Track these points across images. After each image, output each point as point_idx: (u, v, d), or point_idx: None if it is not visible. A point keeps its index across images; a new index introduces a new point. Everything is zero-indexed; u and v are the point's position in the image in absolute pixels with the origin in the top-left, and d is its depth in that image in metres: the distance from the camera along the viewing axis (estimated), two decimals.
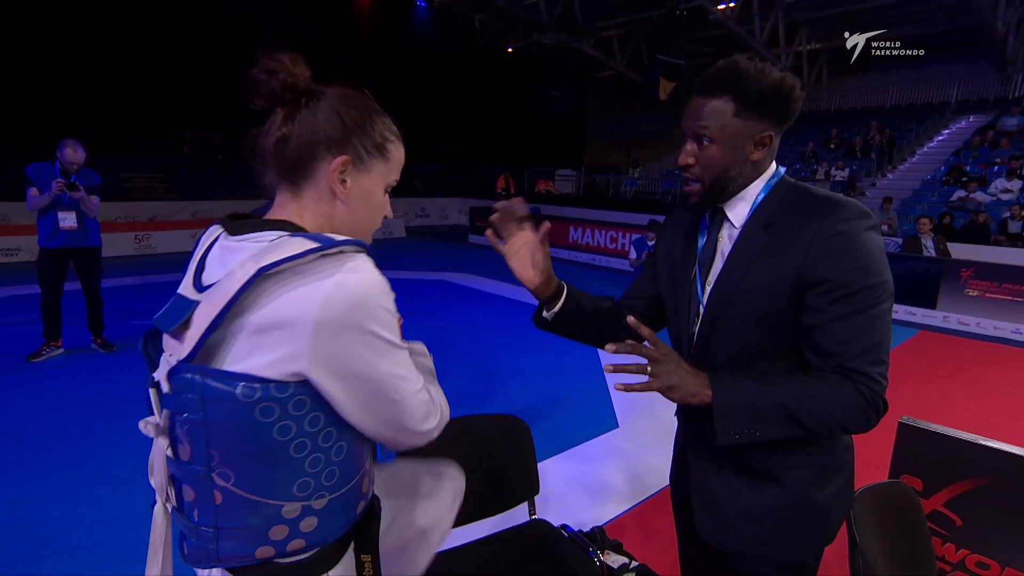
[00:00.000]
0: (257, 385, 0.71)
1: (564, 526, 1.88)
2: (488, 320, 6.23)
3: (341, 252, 0.73)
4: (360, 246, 0.76)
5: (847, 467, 1.11)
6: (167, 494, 0.82)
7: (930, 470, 1.72)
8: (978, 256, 7.53)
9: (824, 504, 1.07)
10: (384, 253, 11.22)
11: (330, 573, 0.83)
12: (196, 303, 0.74)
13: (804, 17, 14.46)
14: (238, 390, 0.71)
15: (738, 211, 1.06)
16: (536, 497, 1.87)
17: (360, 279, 0.73)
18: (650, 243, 7.28)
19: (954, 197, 9.75)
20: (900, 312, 6.71)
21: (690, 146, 1.04)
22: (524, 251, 1.19)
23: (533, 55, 18.77)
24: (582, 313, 1.24)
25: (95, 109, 12.46)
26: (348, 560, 0.87)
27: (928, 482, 1.72)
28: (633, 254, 7.46)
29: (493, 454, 1.81)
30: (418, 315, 6.10)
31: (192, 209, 11.12)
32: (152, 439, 0.81)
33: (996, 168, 10.31)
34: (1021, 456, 1.57)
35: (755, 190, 1.05)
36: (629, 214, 12.14)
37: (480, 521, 1.73)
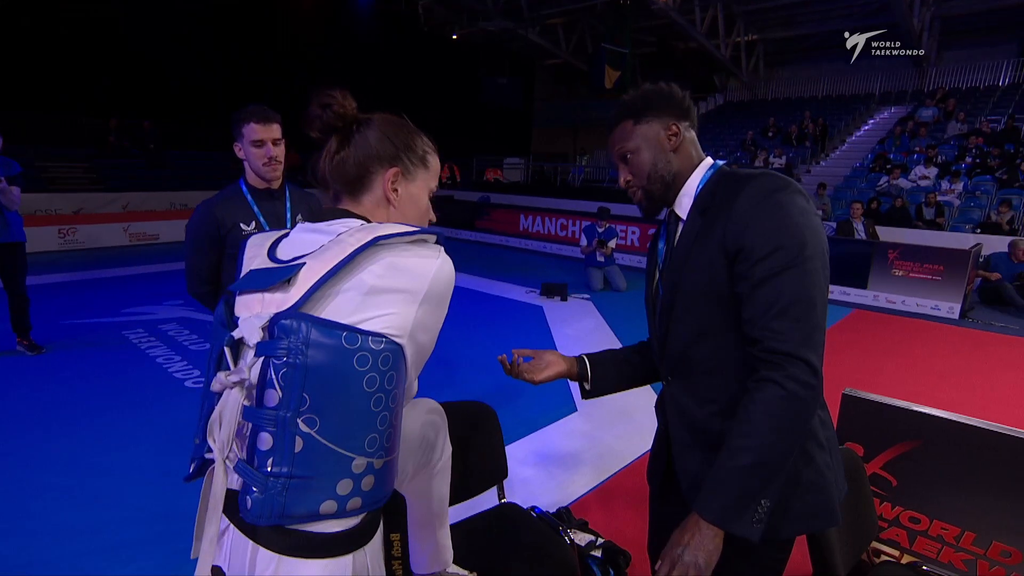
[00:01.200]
0: (359, 336, 0.81)
1: (533, 508, 1.92)
2: None
3: (424, 240, 0.89)
4: (439, 239, 0.91)
5: (830, 442, 1.12)
6: (232, 448, 0.86)
7: (870, 436, 1.86)
8: (902, 238, 8.09)
9: (816, 481, 1.08)
10: None
11: (364, 548, 0.88)
12: (300, 265, 0.85)
13: (740, 9, 14.96)
14: (343, 338, 0.80)
15: (684, 206, 1.15)
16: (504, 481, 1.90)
17: (450, 266, 0.89)
18: (600, 230, 7.41)
19: (880, 183, 10.40)
20: (835, 292, 7.14)
21: (621, 167, 1.19)
22: (534, 364, 1.35)
23: (478, 43, 18.61)
24: (617, 368, 1.38)
25: (3, 92, 11.49)
26: (377, 539, 0.92)
27: (869, 447, 1.87)
28: (584, 241, 7.57)
29: (461, 440, 1.81)
30: None
31: (123, 201, 10.45)
32: (209, 398, 0.89)
33: (915, 156, 11.06)
34: (948, 420, 1.73)
35: (694, 183, 1.14)
36: (578, 201, 12.32)
37: (451, 507, 1.75)
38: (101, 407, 3.47)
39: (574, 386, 4.07)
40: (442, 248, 0.90)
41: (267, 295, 0.87)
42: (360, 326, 0.81)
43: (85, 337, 4.82)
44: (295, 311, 0.81)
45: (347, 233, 0.85)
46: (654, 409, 1.35)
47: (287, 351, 0.79)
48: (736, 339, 1.06)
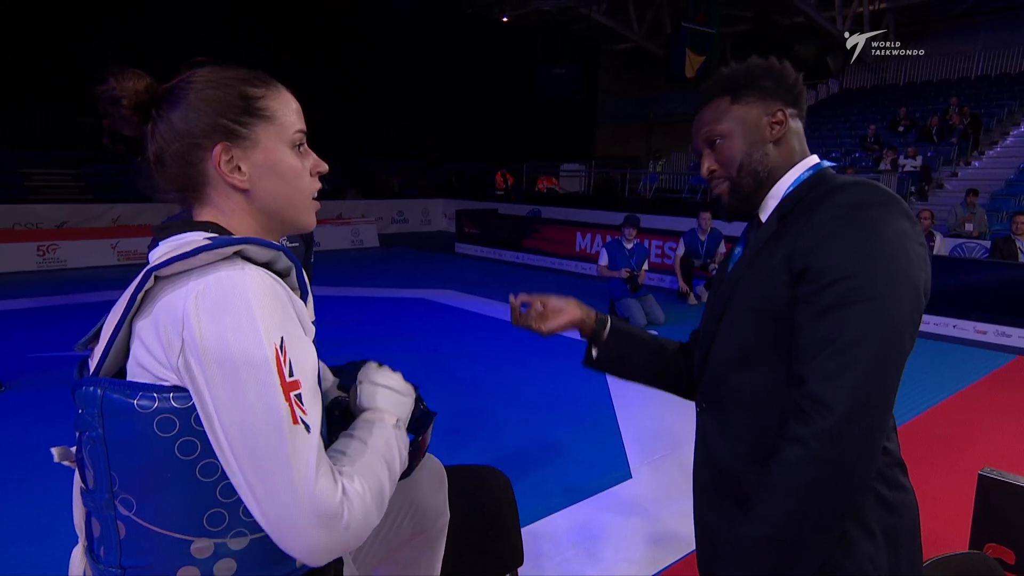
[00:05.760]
0: (155, 395, 0.78)
1: None
2: (478, 346, 6.21)
3: (235, 253, 0.81)
4: (265, 246, 0.85)
5: (891, 533, 1.04)
6: (84, 532, 0.89)
7: None
8: None
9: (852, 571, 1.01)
10: (353, 266, 11.18)
11: None
12: (103, 321, 0.86)
13: None
14: (136, 401, 0.78)
15: (768, 208, 1.16)
16: (526, 566, 1.82)
17: (243, 277, 0.79)
18: (627, 245, 7.20)
19: None
20: (990, 333, 6.66)
21: (706, 154, 1.19)
22: (545, 311, 1.40)
23: (531, 26, 18.98)
24: (642, 347, 1.41)
25: None
26: None
27: (1022, 553, 1.66)
28: (604, 259, 7.19)
29: (465, 517, 1.74)
30: (393, 342, 6.08)
31: (113, 213, 11.11)
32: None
33: None
34: None
35: (785, 184, 1.14)
36: (649, 216, 12.13)
37: None
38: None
39: (630, 445, 3.99)
40: (245, 265, 0.81)
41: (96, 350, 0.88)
42: (140, 379, 0.80)
43: (53, 373, 5.02)
44: (93, 375, 0.83)
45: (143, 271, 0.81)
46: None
47: (87, 424, 0.81)
48: (785, 374, 1.05)
